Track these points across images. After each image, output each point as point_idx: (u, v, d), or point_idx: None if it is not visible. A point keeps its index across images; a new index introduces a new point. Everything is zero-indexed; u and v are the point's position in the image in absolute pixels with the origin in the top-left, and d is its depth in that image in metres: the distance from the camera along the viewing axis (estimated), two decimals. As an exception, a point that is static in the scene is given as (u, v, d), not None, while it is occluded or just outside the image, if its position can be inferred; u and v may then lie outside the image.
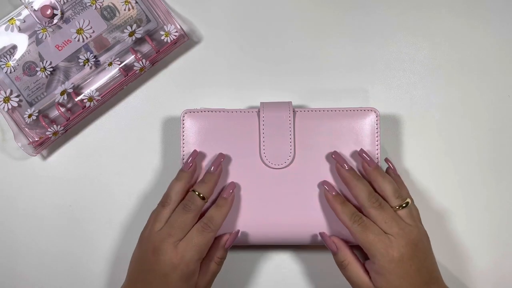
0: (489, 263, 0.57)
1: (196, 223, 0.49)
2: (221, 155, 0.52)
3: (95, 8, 0.56)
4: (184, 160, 0.52)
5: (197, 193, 0.50)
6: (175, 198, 0.50)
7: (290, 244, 0.54)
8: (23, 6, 0.56)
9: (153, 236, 0.48)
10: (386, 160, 0.54)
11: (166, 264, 0.47)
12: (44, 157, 0.59)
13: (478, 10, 0.59)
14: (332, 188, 0.51)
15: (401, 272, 0.46)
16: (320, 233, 0.52)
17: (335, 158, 0.52)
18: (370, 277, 0.48)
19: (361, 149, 0.52)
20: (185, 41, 0.58)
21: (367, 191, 0.49)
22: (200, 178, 0.52)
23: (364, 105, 0.58)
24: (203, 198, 0.50)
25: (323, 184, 0.52)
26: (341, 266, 0.50)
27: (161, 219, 0.49)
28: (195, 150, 0.52)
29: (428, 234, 0.49)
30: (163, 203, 0.50)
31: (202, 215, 0.50)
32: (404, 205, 0.49)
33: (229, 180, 0.53)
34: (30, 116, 0.56)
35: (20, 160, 0.58)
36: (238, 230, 0.52)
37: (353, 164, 0.53)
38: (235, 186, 0.52)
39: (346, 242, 0.51)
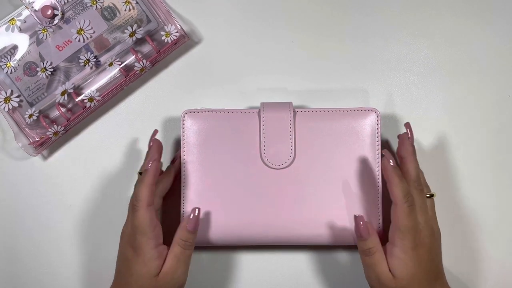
0: (490, 264, 0.57)
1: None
2: (154, 134, 0.53)
3: (96, 9, 0.56)
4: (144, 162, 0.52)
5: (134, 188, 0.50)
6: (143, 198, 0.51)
7: (290, 244, 0.54)
8: (23, 6, 0.56)
9: (125, 239, 0.51)
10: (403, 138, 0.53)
11: (123, 245, 0.51)
12: (45, 157, 0.59)
13: (478, 10, 0.59)
14: (390, 157, 0.49)
15: (418, 260, 0.47)
16: (356, 216, 0.49)
17: (407, 128, 0.53)
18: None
19: (407, 123, 0.53)
20: (186, 42, 0.58)
21: (417, 172, 0.50)
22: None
23: (364, 105, 0.58)
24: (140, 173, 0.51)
25: (383, 152, 0.50)
26: (367, 252, 0.48)
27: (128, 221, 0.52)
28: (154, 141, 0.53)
29: None
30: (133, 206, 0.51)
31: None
32: (428, 195, 0.51)
33: (230, 180, 0.53)
34: (30, 116, 0.56)
35: (21, 160, 0.58)
36: (199, 209, 0.50)
37: (354, 166, 0.53)
38: (155, 158, 0.50)
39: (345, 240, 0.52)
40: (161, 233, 0.50)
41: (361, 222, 0.49)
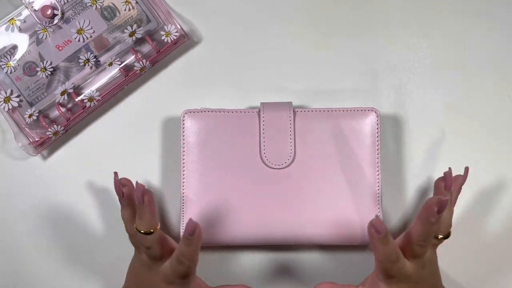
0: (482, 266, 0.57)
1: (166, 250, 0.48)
2: (138, 185, 0.46)
3: (96, 8, 0.56)
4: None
5: (142, 231, 0.46)
6: (129, 230, 0.50)
7: (290, 244, 0.54)
8: (23, 6, 0.56)
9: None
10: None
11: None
12: (45, 157, 0.59)
13: (478, 10, 0.59)
14: (382, 227, 0.44)
15: None
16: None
17: (446, 176, 0.48)
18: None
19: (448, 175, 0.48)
20: (185, 41, 0.58)
21: (431, 235, 0.46)
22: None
23: (364, 105, 0.58)
24: (148, 233, 0.46)
25: (372, 222, 0.44)
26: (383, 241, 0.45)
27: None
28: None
29: None
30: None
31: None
32: (443, 236, 0.48)
33: (230, 180, 0.53)
34: (30, 116, 0.56)
35: (20, 160, 0.58)
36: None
37: (354, 166, 0.53)
38: (196, 225, 0.43)
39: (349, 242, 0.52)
40: None
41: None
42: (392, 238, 0.45)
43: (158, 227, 0.47)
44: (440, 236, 0.48)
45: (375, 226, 0.44)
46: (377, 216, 0.48)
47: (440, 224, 0.48)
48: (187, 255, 0.44)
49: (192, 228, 0.43)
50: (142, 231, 0.46)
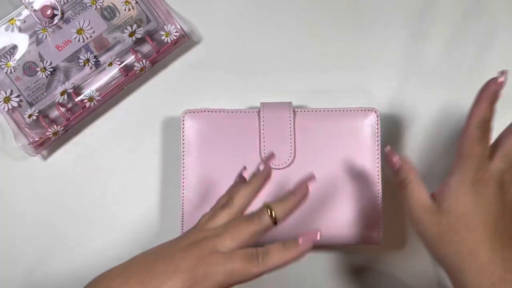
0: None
1: (248, 246, 0.40)
2: (311, 177, 0.43)
3: (95, 8, 0.56)
4: (265, 161, 0.44)
5: (269, 211, 0.40)
6: (239, 206, 0.42)
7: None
8: (23, 6, 0.56)
9: (198, 229, 0.41)
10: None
11: (186, 263, 0.38)
12: (44, 157, 0.59)
13: (478, 10, 0.59)
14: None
15: (479, 202, 0.39)
16: (385, 154, 0.46)
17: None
18: (434, 198, 0.42)
19: None
20: (185, 41, 0.58)
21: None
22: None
23: (364, 105, 0.58)
24: (275, 222, 0.40)
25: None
26: (400, 186, 0.43)
27: (217, 222, 0.41)
28: (272, 153, 0.47)
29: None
30: (223, 206, 0.42)
31: None
32: None
33: (230, 180, 0.53)
34: (30, 116, 0.56)
35: (20, 160, 0.58)
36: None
37: (354, 166, 0.53)
38: (317, 236, 0.40)
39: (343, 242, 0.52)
40: None
41: (391, 156, 0.44)
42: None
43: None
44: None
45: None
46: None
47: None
48: (274, 261, 0.39)
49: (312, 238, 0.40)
50: (277, 217, 0.40)
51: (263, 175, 0.44)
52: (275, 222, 0.40)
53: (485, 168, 0.40)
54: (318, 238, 0.40)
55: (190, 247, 0.39)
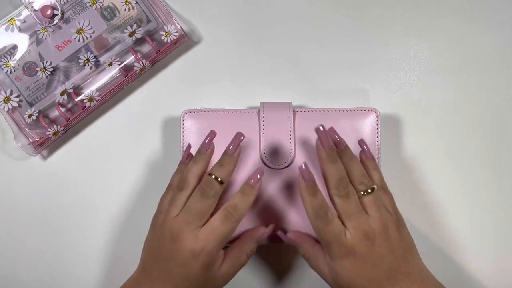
0: (488, 262, 0.57)
1: (215, 209, 0.46)
2: (239, 134, 0.47)
3: (95, 8, 0.56)
4: (203, 141, 0.48)
5: (214, 176, 0.46)
6: (193, 182, 0.47)
7: (290, 244, 0.54)
8: (23, 6, 0.56)
9: (170, 223, 0.46)
10: (360, 142, 0.50)
11: (187, 253, 0.44)
12: (44, 157, 0.59)
13: (478, 10, 0.59)
14: (308, 174, 0.45)
15: (355, 268, 0.44)
16: (278, 233, 0.51)
17: (318, 134, 0.46)
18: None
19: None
20: (185, 41, 0.58)
21: (338, 177, 0.45)
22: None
23: (364, 105, 0.58)
24: (221, 183, 0.46)
25: (300, 168, 0.45)
26: (304, 259, 0.49)
27: (178, 205, 0.46)
28: (212, 131, 0.48)
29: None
30: (179, 187, 0.47)
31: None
32: (369, 190, 0.46)
33: (230, 180, 0.53)
34: (30, 116, 0.56)
35: (20, 160, 0.58)
36: (274, 225, 0.52)
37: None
38: (263, 172, 0.47)
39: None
40: None
41: (283, 238, 0.51)
42: (321, 192, 0.45)
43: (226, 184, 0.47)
44: (363, 189, 0.45)
45: (302, 174, 0.44)
46: (305, 164, 0.45)
47: (355, 176, 0.46)
48: (242, 207, 0.45)
49: (259, 174, 0.46)
50: (219, 178, 0.46)
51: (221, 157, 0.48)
52: (221, 183, 0.46)
53: (345, 243, 0.45)
54: (263, 172, 0.46)
55: (175, 243, 0.45)
